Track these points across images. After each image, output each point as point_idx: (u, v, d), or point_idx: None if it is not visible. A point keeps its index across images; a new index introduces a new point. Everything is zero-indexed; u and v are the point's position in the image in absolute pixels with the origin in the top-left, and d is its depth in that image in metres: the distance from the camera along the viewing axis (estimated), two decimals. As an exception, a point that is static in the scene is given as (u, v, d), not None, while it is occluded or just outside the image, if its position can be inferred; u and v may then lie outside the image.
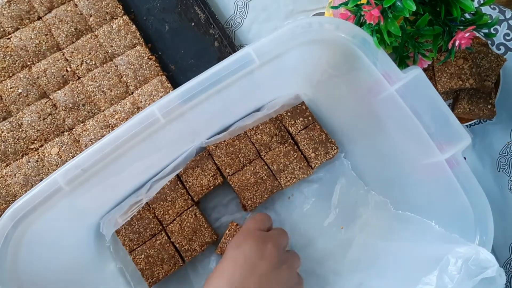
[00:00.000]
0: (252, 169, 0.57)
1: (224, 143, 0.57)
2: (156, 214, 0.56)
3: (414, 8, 0.38)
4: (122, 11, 0.59)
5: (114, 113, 0.57)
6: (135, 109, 0.57)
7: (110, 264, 0.56)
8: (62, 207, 0.45)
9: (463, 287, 0.41)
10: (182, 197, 0.56)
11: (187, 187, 0.56)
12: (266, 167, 0.57)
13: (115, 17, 0.59)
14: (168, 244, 0.55)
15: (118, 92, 0.58)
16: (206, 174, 0.57)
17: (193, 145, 0.56)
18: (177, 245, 0.55)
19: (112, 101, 0.58)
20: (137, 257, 0.55)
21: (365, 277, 0.54)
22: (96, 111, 0.58)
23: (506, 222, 0.61)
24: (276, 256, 0.46)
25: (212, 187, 0.57)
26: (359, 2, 0.43)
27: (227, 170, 0.57)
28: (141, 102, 0.57)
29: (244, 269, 0.44)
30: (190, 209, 0.56)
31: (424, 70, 0.57)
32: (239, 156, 0.57)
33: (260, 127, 0.58)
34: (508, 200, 0.62)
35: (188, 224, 0.55)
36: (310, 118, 0.59)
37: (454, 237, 0.46)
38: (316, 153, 0.58)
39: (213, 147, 0.57)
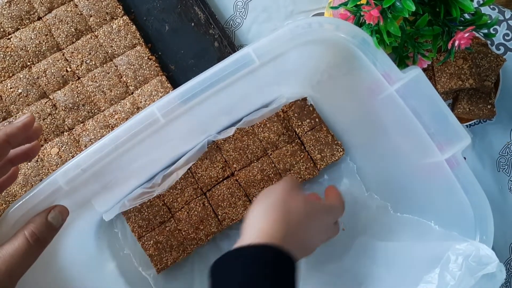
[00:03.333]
0: (259, 166, 0.57)
1: (232, 138, 0.57)
2: (166, 202, 0.56)
3: (413, 8, 0.38)
4: (122, 12, 0.59)
5: (114, 113, 0.57)
6: (135, 109, 0.57)
7: (109, 264, 0.56)
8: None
9: (465, 284, 0.41)
10: (192, 186, 0.57)
11: (196, 178, 0.57)
12: (273, 165, 0.58)
13: (115, 17, 0.59)
14: (177, 231, 0.56)
15: (118, 92, 0.58)
16: (215, 166, 0.57)
17: (205, 138, 0.56)
18: (183, 233, 0.56)
19: (112, 101, 0.58)
20: (146, 243, 0.55)
21: (366, 278, 0.54)
22: (96, 111, 0.58)
23: (506, 222, 0.61)
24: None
25: (221, 179, 0.57)
26: (358, 3, 0.43)
27: (234, 165, 0.57)
28: (141, 102, 0.57)
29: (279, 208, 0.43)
30: (199, 197, 0.56)
31: (424, 70, 0.57)
32: (247, 152, 0.58)
33: (268, 125, 0.58)
34: (508, 200, 0.62)
35: (196, 212, 0.56)
36: (317, 120, 0.59)
37: (453, 235, 0.46)
38: (322, 154, 0.58)
39: (222, 141, 0.57)
